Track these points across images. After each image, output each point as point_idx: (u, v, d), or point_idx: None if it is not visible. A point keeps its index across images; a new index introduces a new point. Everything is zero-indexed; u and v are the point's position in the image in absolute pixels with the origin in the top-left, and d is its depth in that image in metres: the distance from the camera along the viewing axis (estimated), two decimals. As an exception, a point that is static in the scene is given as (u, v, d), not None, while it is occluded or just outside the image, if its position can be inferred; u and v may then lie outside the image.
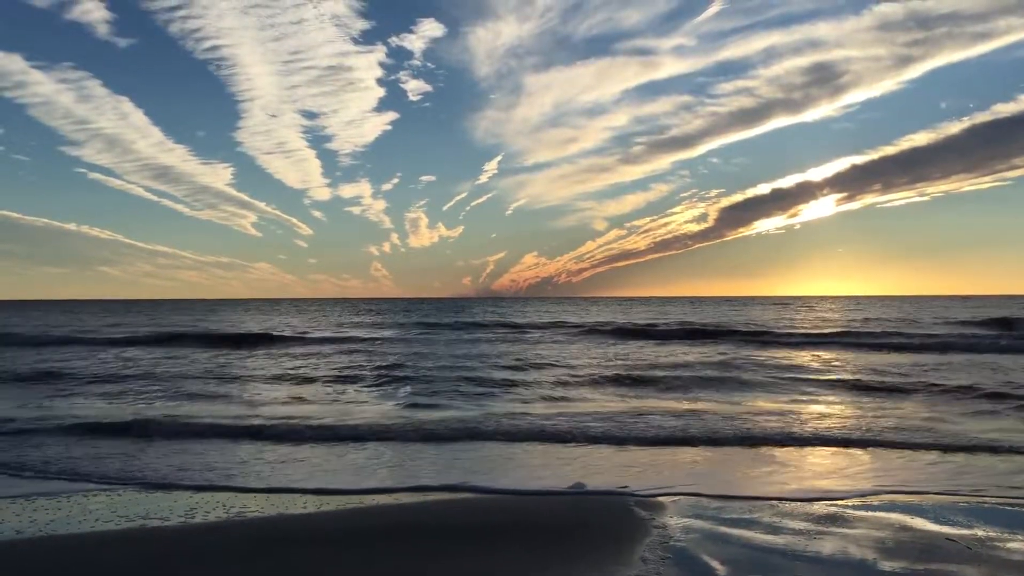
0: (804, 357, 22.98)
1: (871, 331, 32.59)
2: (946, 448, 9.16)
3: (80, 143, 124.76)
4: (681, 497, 6.94)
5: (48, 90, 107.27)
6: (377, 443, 9.91)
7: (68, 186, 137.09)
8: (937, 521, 6.08)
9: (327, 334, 36.17)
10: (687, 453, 9.16)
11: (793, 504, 6.68)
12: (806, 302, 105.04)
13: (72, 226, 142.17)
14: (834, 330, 34.06)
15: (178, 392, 15.52)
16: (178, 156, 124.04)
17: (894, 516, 6.25)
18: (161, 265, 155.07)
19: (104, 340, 31.50)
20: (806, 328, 36.65)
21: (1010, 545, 5.45)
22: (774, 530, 5.84)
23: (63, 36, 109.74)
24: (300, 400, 14.47)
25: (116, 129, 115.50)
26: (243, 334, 33.69)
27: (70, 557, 5.32)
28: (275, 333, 34.53)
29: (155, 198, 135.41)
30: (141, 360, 22.83)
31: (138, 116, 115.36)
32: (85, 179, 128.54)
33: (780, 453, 9.14)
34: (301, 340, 31.91)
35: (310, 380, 17.83)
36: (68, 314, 69.39)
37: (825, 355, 23.60)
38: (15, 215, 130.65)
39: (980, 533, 5.75)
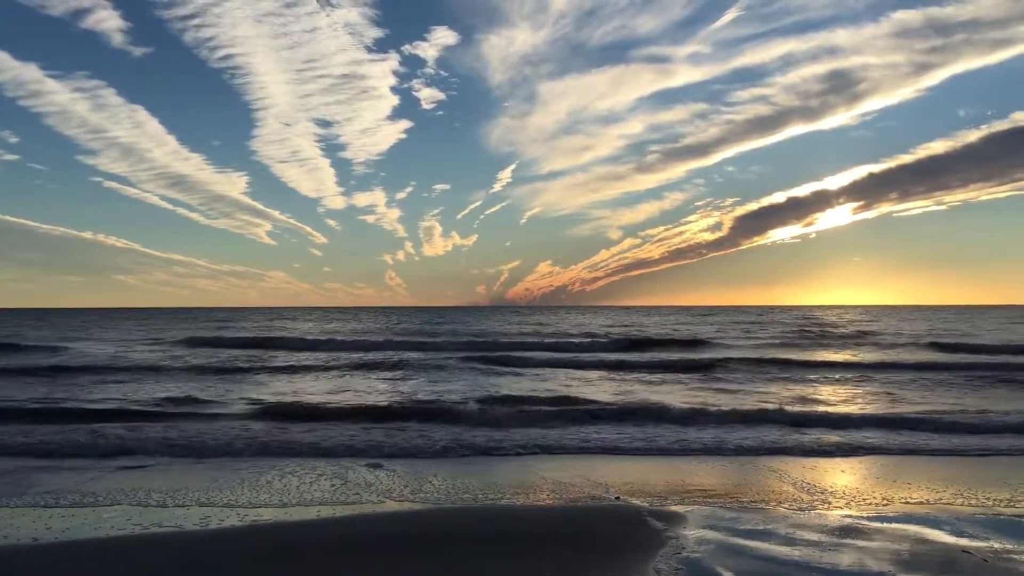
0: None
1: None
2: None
3: (96, 152, 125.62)
4: (696, 508, 6.93)
5: (64, 99, 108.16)
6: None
7: (84, 195, 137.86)
8: (954, 533, 6.04)
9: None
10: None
11: (809, 515, 6.65)
12: (795, 311, 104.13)
13: (88, 234, 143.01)
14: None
15: None
16: (193, 165, 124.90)
17: (911, 528, 6.21)
18: (177, 274, 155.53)
19: None
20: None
21: (1028, 558, 5.41)
22: (790, 542, 5.81)
23: (78, 45, 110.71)
24: None
25: (131, 138, 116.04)
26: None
27: (87, 563, 5.36)
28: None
29: (170, 206, 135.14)
30: None
31: (153, 125, 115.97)
32: (101, 187, 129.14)
33: (793, 464, 9.09)
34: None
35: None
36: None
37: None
38: (32, 223, 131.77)
39: (997, 545, 5.71)
